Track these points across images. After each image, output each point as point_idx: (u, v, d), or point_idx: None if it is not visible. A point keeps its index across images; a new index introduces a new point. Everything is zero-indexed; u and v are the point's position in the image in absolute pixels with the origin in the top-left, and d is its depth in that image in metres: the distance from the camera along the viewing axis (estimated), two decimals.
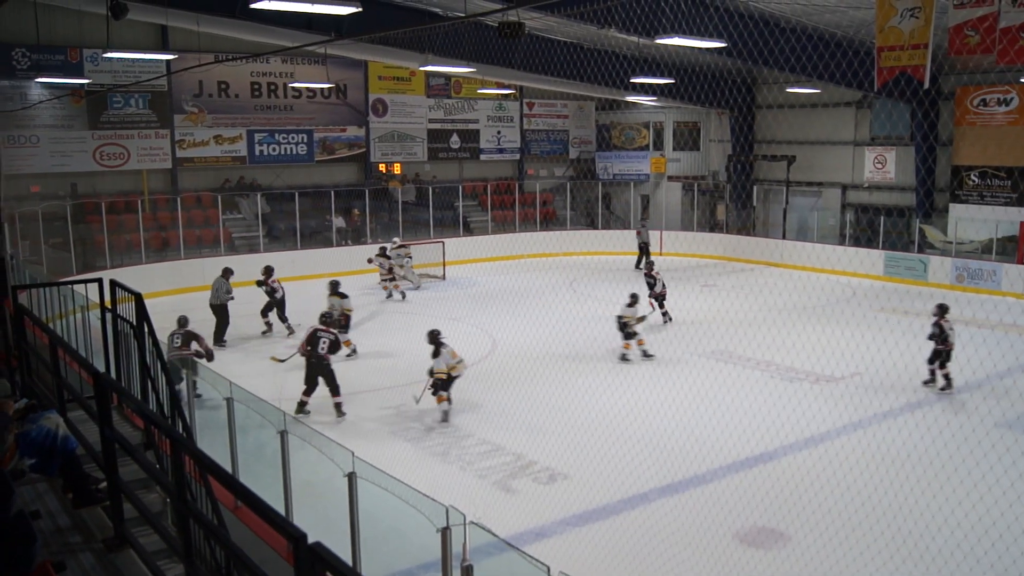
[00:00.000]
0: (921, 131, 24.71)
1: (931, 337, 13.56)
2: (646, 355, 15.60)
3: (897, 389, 13.45)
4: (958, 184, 24.69)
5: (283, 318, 17.50)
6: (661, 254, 27.53)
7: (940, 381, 13.55)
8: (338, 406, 12.39)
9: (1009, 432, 11.57)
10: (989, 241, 23.24)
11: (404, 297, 21.33)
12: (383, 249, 21.85)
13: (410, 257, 22.46)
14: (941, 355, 13.46)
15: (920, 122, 24.68)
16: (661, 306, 18.47)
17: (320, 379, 12.37)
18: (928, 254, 23.94)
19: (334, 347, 12.52)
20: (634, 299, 15.82)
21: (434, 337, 12.37)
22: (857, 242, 25.97)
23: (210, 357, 12.48)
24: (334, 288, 16.25)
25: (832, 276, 24.06)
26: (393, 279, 21.28)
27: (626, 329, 15.48)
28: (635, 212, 31.32)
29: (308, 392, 12.39)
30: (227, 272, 16.90)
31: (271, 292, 17.43)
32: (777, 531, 8.82)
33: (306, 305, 18.18)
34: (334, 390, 12.41)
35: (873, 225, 25.44)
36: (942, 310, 13.64)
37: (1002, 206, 23.68)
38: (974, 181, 24.36)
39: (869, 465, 10.45)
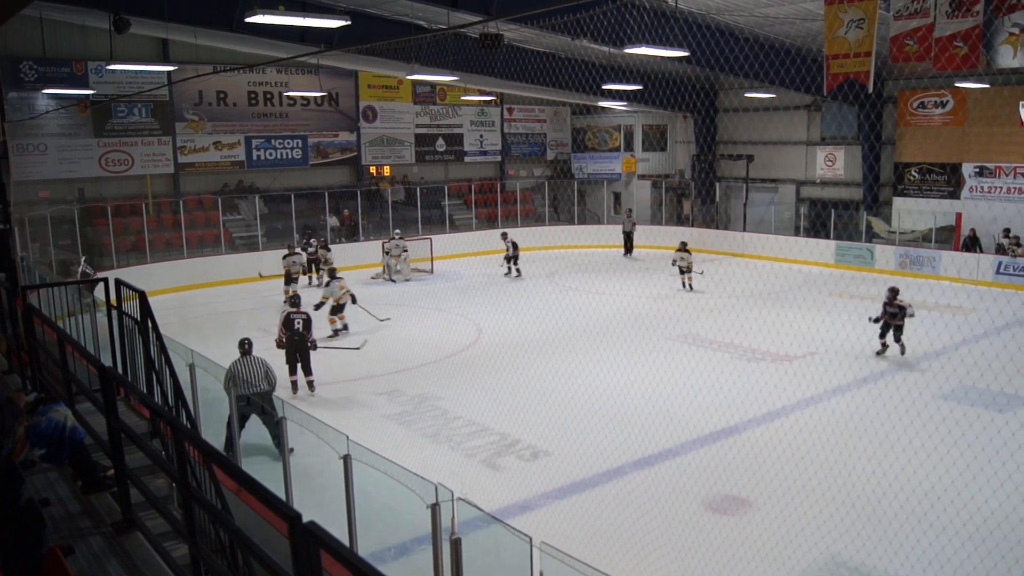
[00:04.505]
0: (867, 131, 24.82)
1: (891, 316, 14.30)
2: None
3: (849, 365, 13.48)
4: (900, 179, 24.82)
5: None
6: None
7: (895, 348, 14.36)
8: (311, 383, 12.51)
9: (946, 403, 11.63)
10: (929, 231, 23.43)
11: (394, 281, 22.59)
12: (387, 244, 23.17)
13: (406, 251, 22.74)
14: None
15: (866, 123, 24.78)
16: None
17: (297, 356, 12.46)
18: (874, 243, 24.07)
19: (308, 325, 12.48)
20: (504, 234, 23.06)
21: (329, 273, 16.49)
22: (810, 233, 26.06)
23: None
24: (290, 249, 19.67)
25: (788, 264, 24.15)
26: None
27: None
28: (608, 209, 31.30)
29: (293, 372, 12.44)
30: (248, 346, 10.34)
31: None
32: (741, 498, 8.82)
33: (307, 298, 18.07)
34: (306, 367, 12.48)
35: (824, 217, 25.55)
36: (893, 292, 14.39)
37: (940, 199, 23.85)
38: (915, 176, 24.49)
39: (824, 436, 10.47)
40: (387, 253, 22.81)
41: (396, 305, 19.48)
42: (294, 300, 13.15)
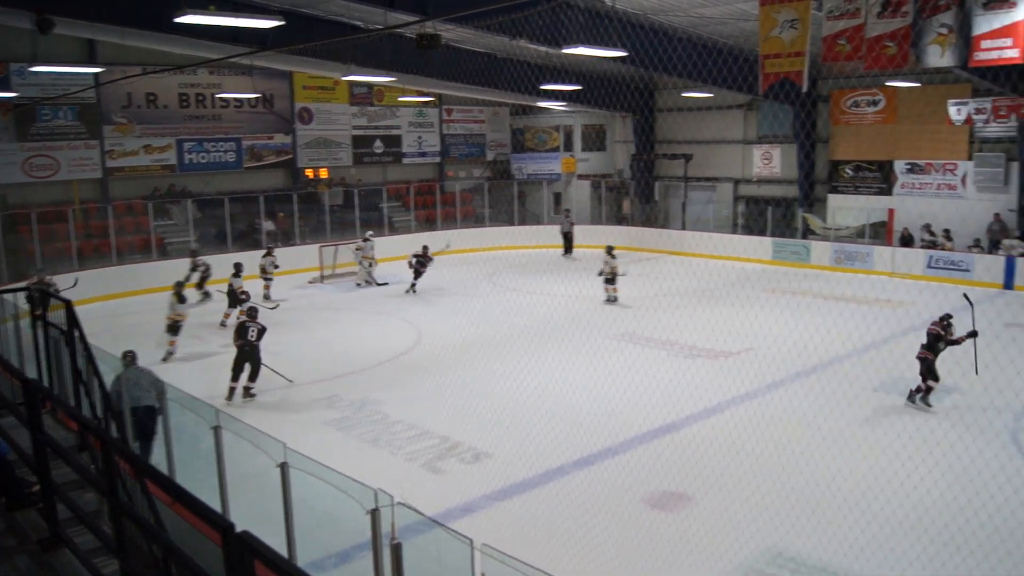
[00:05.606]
0: (802, 130, 25.46)
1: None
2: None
3: (782, 360, 13.76)
4: (835, 176, 25.56)
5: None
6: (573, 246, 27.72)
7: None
8: (247, 389, 12.51)
9: (886, 395, 12.05)
10: (862, 227, 24.15)
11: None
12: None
13: (373, 255, 22.64)
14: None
15: (801, 122, 25.42)
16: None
17: (247, 365, 12.50)
18: (810, 240, 24.70)
19: (261, 335, 12.61)
20: (426, 247, 21.03)
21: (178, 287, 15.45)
22: (747, 231, 26.66)
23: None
24: (237, 270, 17.71)
25: (726, 262, 24.64)
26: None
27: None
28: (548, 209, 31.50)
29: (236, 379, 12.46)
30: (131, 358, 9.53)
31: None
32: (681, 493, 9.00)
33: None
34: (254, 376, 12.53)
35: (762, 215, 26.15)
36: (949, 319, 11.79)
37: (873, 195, 24.62)
38: (848, 174, 25.24)
39: (762, 430, 10.72)
40: (359, 251, 22.59)
41: (335, 310, 19.33)
42: (251, 311, 13.10)
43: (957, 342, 11.34)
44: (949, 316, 11.73)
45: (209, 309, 19.18)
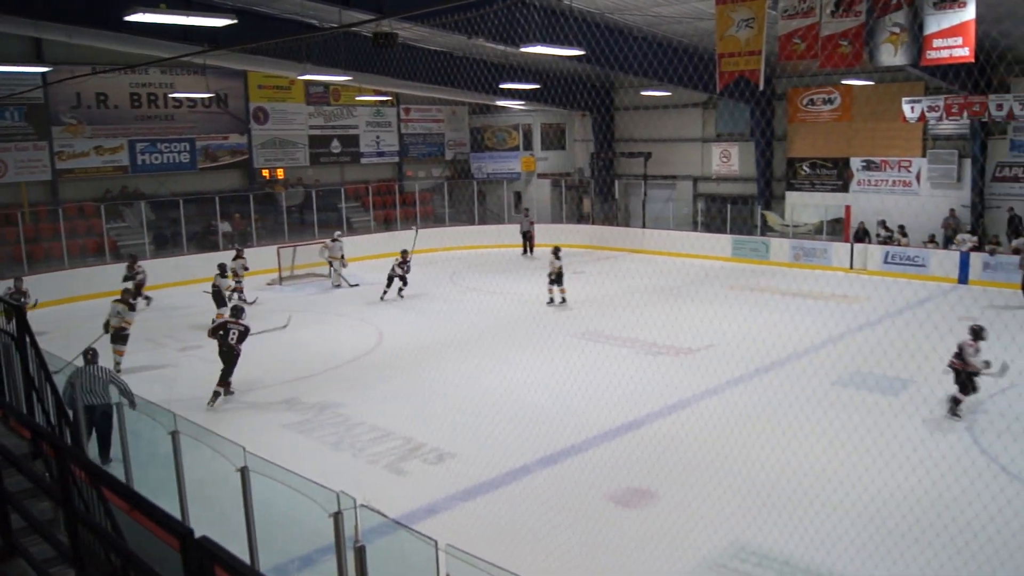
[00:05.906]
0: (759, 128, 25.85)
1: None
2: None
3: (742, 355, 13.96)
4: (792, 174, 25.98)
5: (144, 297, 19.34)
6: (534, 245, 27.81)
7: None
8: (216, 394, 12.31)
9: (833, 388, 12.27)
10: (820, 223, 24.58)
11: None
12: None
13: (342, 254, 22.34)
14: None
15: (758, 120, 25.82)
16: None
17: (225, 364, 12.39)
18: (769, 237, 25.08)
19: (242, 337, 12.46)
20: (405, 252, 19.92)
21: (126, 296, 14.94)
22: (707, 228, 26.97)
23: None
24: (222, 270, 17.78)
25: (686, 259, 24.90)
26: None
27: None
28: (508, 208, 31.56)
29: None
30: (92, 356, 9.82)
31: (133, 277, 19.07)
32: (645, 490, 9.08)
33: (191, 299, 17.65)
34: (222, 380, 12.39)
35: (721, 212, 26.48)
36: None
37: (830, 192, 25.08)
38: (806, 171, 25.67)
39: (724, 425, 10.89)
40: (325, 249, 22.32)
41: (294, 311, 19.12)
42: (235, 311, 12.95)
43: (970, 365, 10.83)
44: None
45: (155, 315, 18.91)
